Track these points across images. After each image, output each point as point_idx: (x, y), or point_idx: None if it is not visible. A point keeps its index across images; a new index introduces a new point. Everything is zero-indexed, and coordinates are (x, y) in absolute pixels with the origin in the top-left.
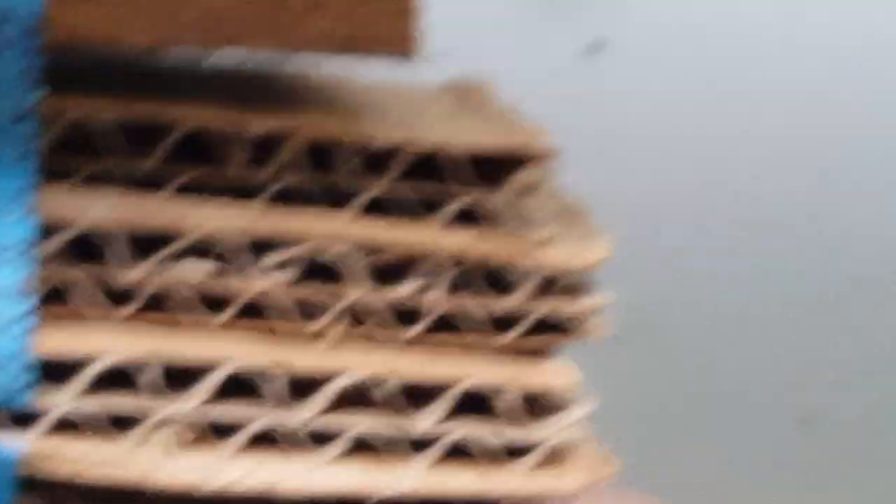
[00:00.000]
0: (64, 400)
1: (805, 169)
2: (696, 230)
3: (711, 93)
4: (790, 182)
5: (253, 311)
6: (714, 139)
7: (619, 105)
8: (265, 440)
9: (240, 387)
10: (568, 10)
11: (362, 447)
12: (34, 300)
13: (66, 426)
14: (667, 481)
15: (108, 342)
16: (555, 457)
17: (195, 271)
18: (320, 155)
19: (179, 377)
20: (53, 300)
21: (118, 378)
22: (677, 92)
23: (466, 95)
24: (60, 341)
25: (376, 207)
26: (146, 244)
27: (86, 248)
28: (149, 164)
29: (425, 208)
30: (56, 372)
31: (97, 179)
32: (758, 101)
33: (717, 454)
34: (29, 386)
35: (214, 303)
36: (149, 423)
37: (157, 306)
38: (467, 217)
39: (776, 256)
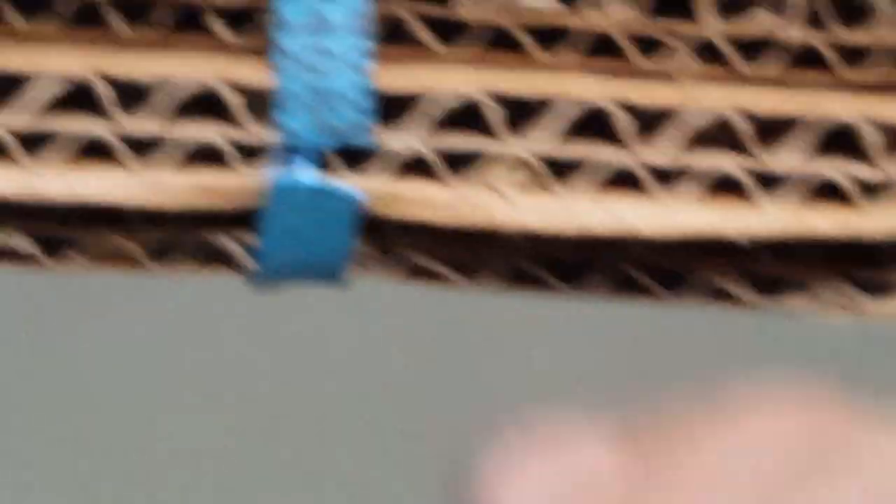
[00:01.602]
0: (405, 139)
1: None
2: None
3: None
4: None
5: (598, 48)
6: None
7: None
8: (611, 183)
9: (584, 127)
10: None
11: (719, 188)
12: (371, 36)
13: (405, 167)
14: None
15: (448, 79)
16: None
17: (540, 3)
18: None
19: (522, 116)
20: (391, 37)
21: (455, 119)
22: None
23: None
24: (400, 78)
25: None
26: None
27: None
28: None
29: None
30: (394, 111)
31: None
32: None
33: None
34: (369, 124)
35: (557, 38)
36: (492, 163)
37: (498, 42)
38: None
39: None
